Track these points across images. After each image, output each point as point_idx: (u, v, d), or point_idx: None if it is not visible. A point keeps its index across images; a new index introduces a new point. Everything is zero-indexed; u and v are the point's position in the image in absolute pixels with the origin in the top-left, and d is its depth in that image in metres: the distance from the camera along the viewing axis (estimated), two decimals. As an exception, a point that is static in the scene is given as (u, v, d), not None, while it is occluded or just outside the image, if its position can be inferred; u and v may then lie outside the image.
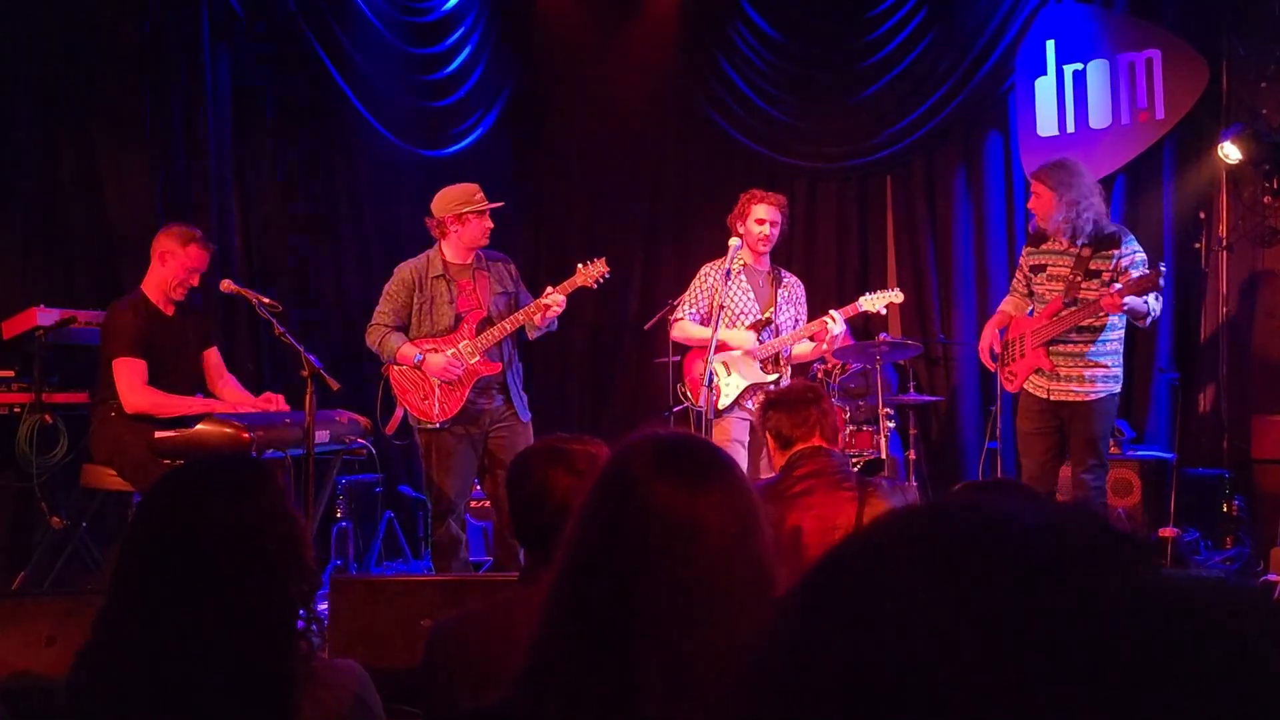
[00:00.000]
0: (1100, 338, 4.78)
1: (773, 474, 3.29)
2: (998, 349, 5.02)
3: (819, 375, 6.45)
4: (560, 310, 4.88)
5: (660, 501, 1.29)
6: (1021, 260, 5.12)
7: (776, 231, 5.30)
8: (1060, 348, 4.80)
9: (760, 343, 5.24)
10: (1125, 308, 4.57)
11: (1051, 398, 4.82)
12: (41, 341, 4.87)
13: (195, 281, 4.80)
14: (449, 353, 4.79)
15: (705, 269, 5.39)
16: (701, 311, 5.30)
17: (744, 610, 1.28)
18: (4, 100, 5.40)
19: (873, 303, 5.30)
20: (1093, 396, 4.77)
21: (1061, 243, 4.84)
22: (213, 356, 4.97)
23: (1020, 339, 4.93)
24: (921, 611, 0.49)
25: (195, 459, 1.81)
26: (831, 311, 5.15)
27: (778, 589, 1.34)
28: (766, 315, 5.26)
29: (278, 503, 1.65)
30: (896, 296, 5.32)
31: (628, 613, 1.26)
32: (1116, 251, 4.76)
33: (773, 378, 5.20)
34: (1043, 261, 4.91)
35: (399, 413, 4.87)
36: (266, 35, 6.26)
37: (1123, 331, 4.87)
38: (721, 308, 5.05)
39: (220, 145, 6.09)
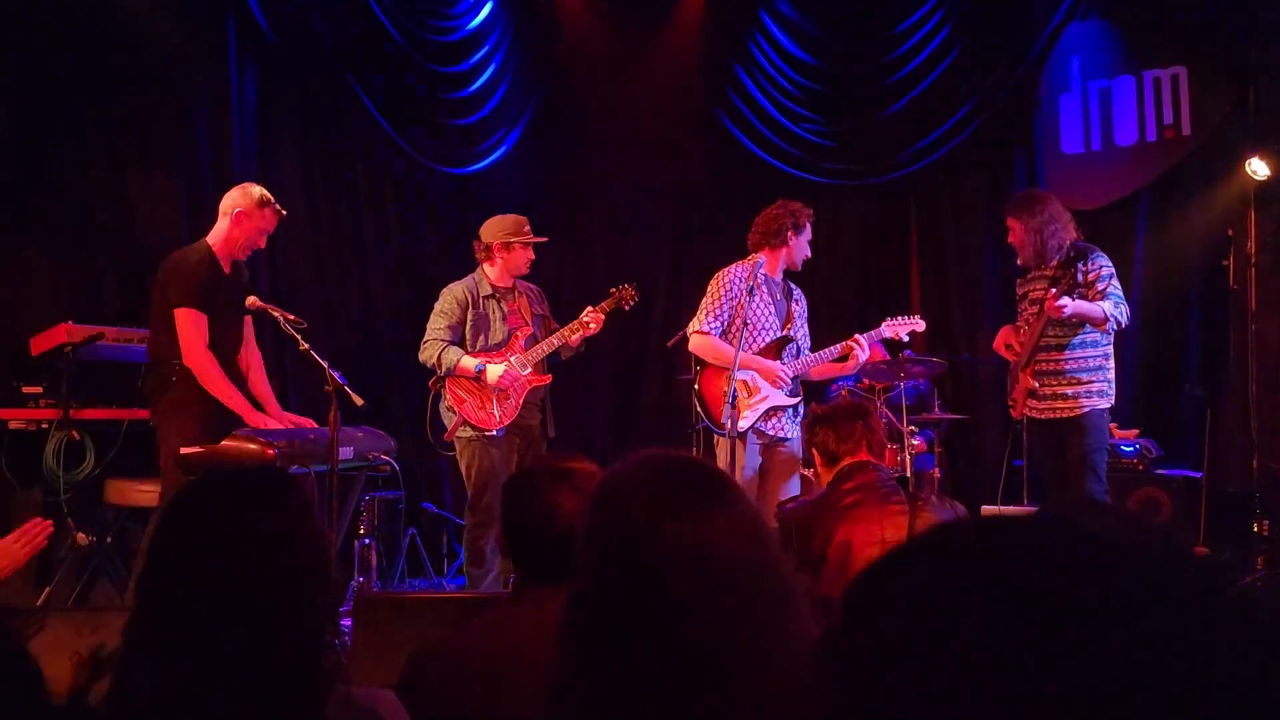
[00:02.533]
0: (1078, 354, 4.88)
1: (809, 493, 3.28)
2: (1015, 345, 5.09)
3: (843, 392, 6.41)
4: (597, 330, 5.15)
5: (673, 542, 1.28)
6: (1017, 293, 5.26)
7: None
8: (1041, 367, 4.94)
9: (784, 363, 5.10)
10: (1066, 311, 4.71)
11: (1043, 417, 4.96)
12: (69, 358, 4.90)
13: (263, 244, 4.82)
14: (506, 362, 5.04)
15: (728, 277, 5.12)
16: (725, 323, 5.11)
17: (770, 626, 1.28)
18: (35, 119, 5.46)
19: (895, 329, 5.18)
20: (1076, 412, 4.86)
21: (1042, 270, 4.98)
22: (248, 325, 4.93)
23: (1015, 365, 5.07)
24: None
25: (220, 469, 1.78)
26: (858, 337, 5.07)
27: (797, 599, 1.34)
28: (786, 333, 5.14)
29: (303, 513, 1.62)
30: (918, 324, 5.21)
31: (663, 654, 1.26)
32: (1084, 266, 4.89)
33: (797, 400, 5.08)
34: (1026, 290, 5.10)
35: (459, 420, 5.04)
36: (292, 53, 6.30)
37: (1107, 348, 4.94)
38: (745, 324, 4.98)
39: (245, 162, 6.13)
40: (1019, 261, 5.14)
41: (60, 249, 5.51)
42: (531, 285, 5.38)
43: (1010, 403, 5.16)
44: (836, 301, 7.36)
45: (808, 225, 5.13)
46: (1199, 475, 5.88)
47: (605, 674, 1.28)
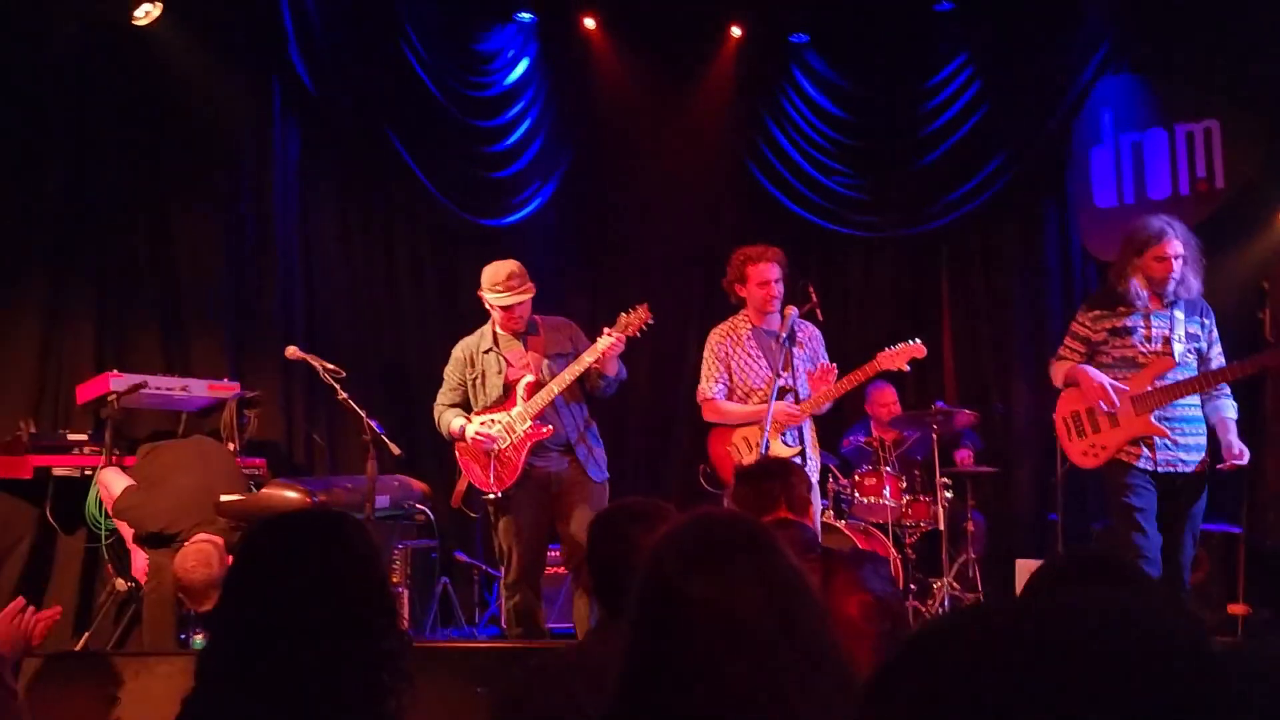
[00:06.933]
0: (1195, 402, 4.51)
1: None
2: (1081, 410, 4.59)
3: (874, 444, 6.39)
4: (619, 349, 4.81)
5: (697, 599, 1.33)
6: (1083, 324, 4.67)
7: (782, 287, 4.97)
8: (1174, 412, 4.44)
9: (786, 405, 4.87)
10: None
11: (1160, 469, 4.46)
12: (113, 406, 5.00)
13: None
14: (479, 422, 4.83)
15: (713, 338, 5.11)
16: (726, 384, 5.05)
17: (790, 683, 1.31)
18: (83, 169, 5.60)
19: (893, 360, 4.92)
20: (1202, 466, 4.51)
21: (1144, 305, 4.51)
22: None
23: (1095, 409, 4.52)
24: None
25: (282, 514, 1.85)
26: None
27: (839, 647, 1.37)
28: (782, 382, 4.85)
29: (371, 557, 1.69)
30: (917, 349, 4.93)
31: (682, 703, 1.30)
32: (1207, 321, 4.60)
33: (796, 450, 4.86)
34: (1128, 324, 4.53)
35: (462, 485, 4.95)
36: (333, 107, 6.44)
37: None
38: (731, 377, 4.92)
39: (287, 215, 6.26)
40: (1158, 292, 4.52)
41: (106, 298, 5.63)
42: (563, 320, 5.14)
43: (1089, 450, 4.57)
44: (869, 352, 7.35)
45: (748, 268, 4.96)
46: (1238, 530, 5.80)
47: (636, 714, 1.34)
